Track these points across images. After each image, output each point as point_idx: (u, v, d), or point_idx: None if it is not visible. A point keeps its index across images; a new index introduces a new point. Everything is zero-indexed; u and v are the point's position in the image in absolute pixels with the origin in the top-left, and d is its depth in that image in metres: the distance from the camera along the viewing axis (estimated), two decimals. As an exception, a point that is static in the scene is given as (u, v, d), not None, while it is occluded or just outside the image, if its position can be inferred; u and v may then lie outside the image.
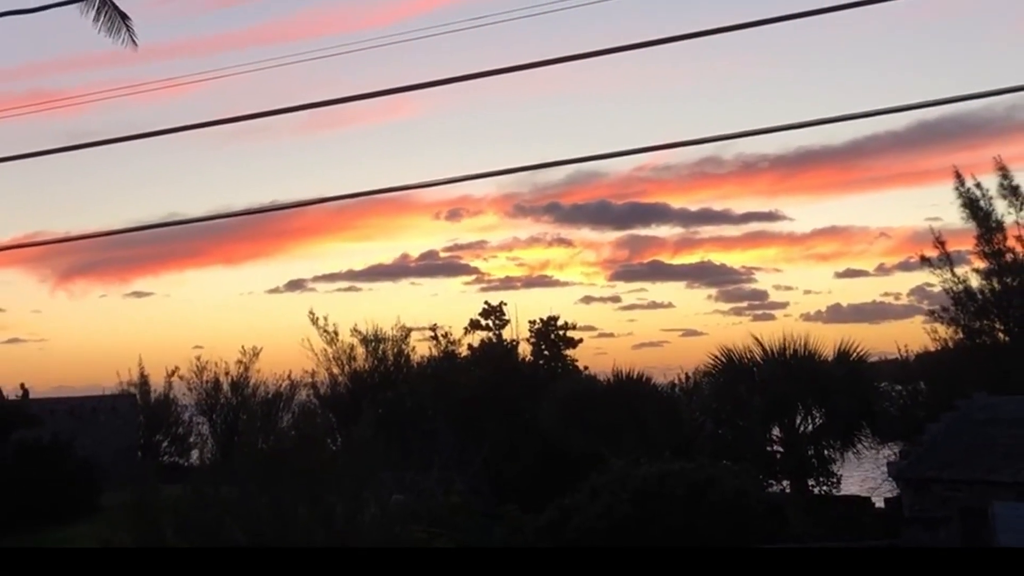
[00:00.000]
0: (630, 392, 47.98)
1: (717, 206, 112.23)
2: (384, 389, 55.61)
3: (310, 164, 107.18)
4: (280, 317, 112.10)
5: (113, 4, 29.07)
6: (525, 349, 56.79)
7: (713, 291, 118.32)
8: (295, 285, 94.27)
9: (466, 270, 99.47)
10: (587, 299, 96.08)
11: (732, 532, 32.60)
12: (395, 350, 59.55)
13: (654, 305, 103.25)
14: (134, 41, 29.67)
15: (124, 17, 29.31)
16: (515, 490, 40.22)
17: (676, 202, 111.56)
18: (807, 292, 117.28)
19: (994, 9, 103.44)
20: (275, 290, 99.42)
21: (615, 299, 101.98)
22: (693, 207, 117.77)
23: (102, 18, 29.35)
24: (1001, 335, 45.92)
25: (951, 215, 54.48)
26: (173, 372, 69.75)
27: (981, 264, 46.36)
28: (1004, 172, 46.12)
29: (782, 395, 42.37)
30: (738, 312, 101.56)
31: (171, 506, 27.36)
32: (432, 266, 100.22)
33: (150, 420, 70.16)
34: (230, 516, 26.34)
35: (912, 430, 39.19)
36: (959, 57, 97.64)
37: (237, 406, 65.90)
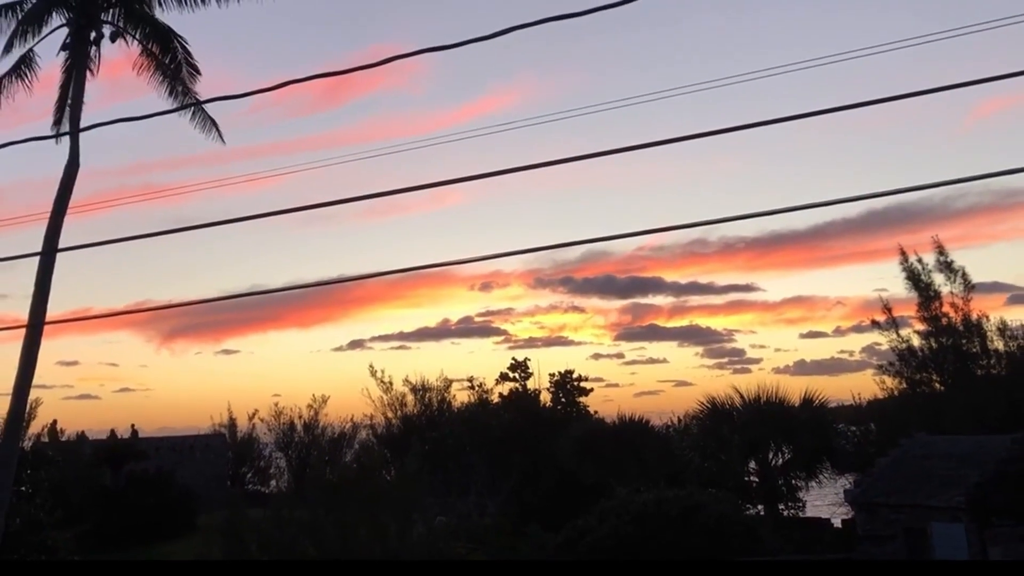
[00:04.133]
0: (632, 432, 47.89)
1: (703, 279, 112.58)
2: (430, 430, 55.63)
3: (370, 244, 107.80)
4: (344, 370, 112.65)
5: (204, 111, 29.68)
6: (546, 397, 56.78)
7: (700, 349, 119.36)
8: (356, 344, 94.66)
9: (497, 332, 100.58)
10: (596, 355, 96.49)
11: (716, 548, 32.49)
12: (439, 398, 59.48)
13: (651, 361, 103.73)
14: (222, 139, 30.40)
15: (213, 122, 29.95)
16: (537, 513, 40.09)
17: (669, 276, 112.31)
18: (777, 350, 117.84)
19: (931, 117, 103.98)
20: (339, 348, 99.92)
21: (619, 355, 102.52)
22: (683, 280, 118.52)
23: (196, 120, 30.01)
24: (938, 385, 45.88)
25: (896, 286, 54.80)
26: (255, 415, 70.05)
27: (921, 327, 46.41)
28: (940, 251, 46.30)
29: (757, 435, 42.27)
30: (720, 367, 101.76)
31: (255, 526, 27.42)
32: (469, 328, 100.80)
33: (237, 455, 70.23)
34: (303, 534, 26.38)
35: (864, 463, 39.12)
36: (903, 156, 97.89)
37: (308, 443, 65.85)
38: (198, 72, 29.80)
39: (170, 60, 29.24)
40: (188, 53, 29.43)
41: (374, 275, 16.05)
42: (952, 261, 46.10)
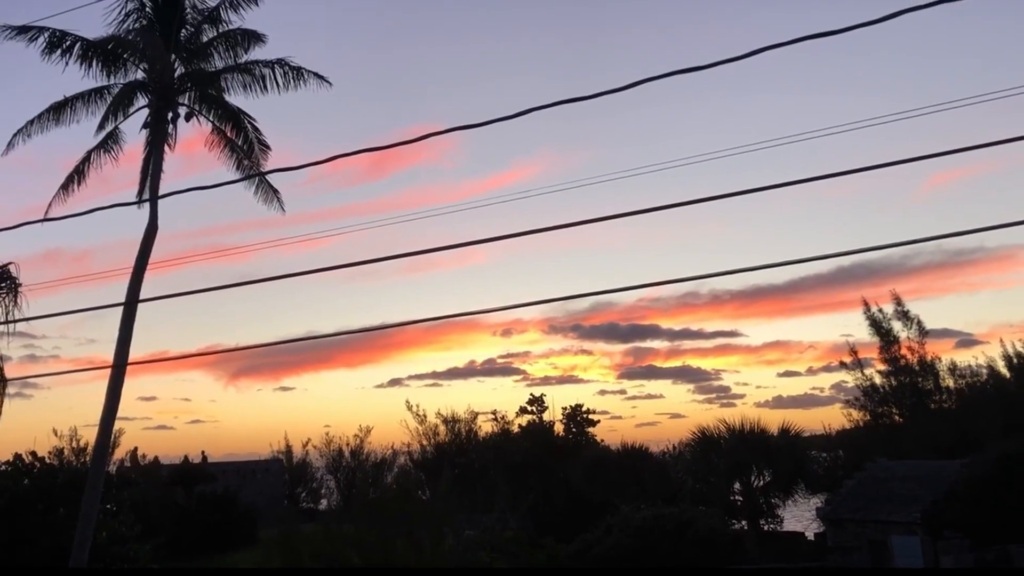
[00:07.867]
0: (633, 458, 47.83)
1: (694, 326, 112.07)
2: (459, 456, 55.53)
3: (407, 296, 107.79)
4: (385, 405, 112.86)
5: (268, 182, 29.28)
6: (559, 428, 56.74)
7: (692, 386, 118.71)
8: (395, 382, 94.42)
9: (516, 371, 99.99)
10: (602, 392, 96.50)
11: (706, 557, 32.31)
12: (466, 428, 59.25)
13: (650, 396, 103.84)
14: (282, 208, 29.77)
15: (275, 191, 29.50)
16: (552, 527, 39.84)
17: (665, 324, 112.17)
18: (758, 387, 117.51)
19: (890, 187, 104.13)
20: (381, 385, 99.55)
21: (622, 392, 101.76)
22: (677, 327, 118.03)
23: (259, 192, 29.57)
24: (897, 417, 46.01)
25: (861, 332, 54.67)
26: (308, 443, 70.02)
27: (882, 367, 46.75)
28: (899, 301, 46.92)
29: (741, 460, 42.13)
30: (709, 401, 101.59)
31: (307, 539, 27.27)
32: (492, 368, 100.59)
33: (293, 477, 70.10)
34: (348, 546, 26.23)
35: (833, 484, 39.05)
36: (866, 220, 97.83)
37: (354, 467, 65.67)
38: (268, 148, 29.43)
39: (242, 139, 29.03)
40: (258, 131, 29.20)
41: (411, 322, 16.07)
42: (909, 311, 46.70)
